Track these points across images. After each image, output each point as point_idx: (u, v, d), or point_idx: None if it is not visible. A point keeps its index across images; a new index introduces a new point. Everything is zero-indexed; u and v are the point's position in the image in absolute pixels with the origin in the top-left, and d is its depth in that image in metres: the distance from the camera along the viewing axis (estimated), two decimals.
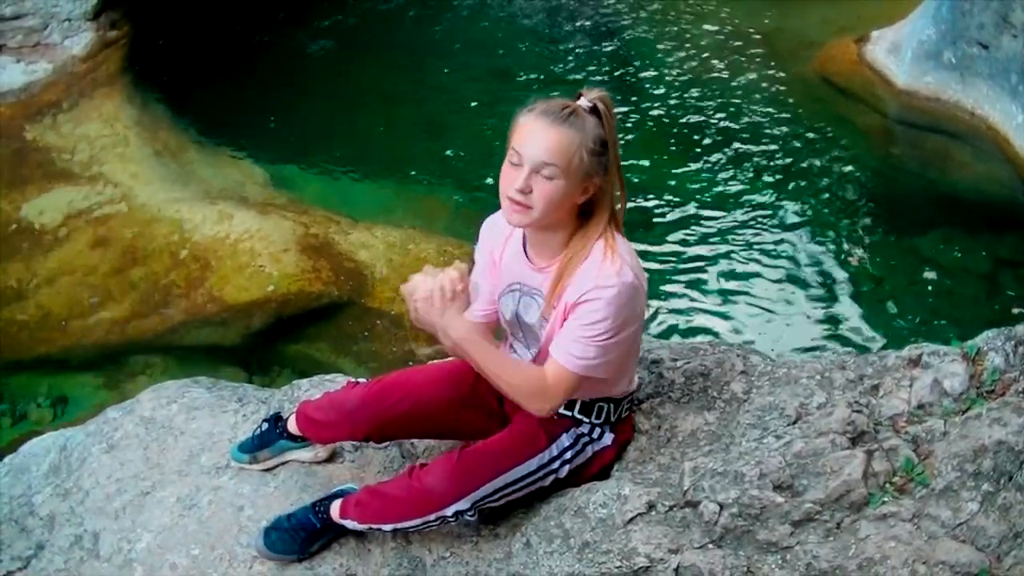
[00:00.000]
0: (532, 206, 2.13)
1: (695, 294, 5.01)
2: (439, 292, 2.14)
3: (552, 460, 2.38)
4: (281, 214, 5.37)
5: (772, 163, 5.98)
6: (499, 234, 2.40)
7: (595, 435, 2.42)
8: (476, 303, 2.47)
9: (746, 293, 5.01)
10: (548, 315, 2.28)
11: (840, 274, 5.09)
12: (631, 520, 2.25)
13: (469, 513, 2.32)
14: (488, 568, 2.35)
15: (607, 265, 2.16)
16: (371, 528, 2.41)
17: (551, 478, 2.40)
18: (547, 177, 2.11)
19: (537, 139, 2.10)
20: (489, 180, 5.84)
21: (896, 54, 6.52)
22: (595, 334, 2.16)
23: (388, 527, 2.37)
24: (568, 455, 2.39)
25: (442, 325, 2.15)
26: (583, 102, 2.15)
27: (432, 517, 2.31)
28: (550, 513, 2.37)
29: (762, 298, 4.97)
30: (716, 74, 6.95)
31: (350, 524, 2.42)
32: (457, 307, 2.16)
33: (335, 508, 2.46)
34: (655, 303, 4.86)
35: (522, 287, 2.35)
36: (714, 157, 6.06)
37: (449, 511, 2.29)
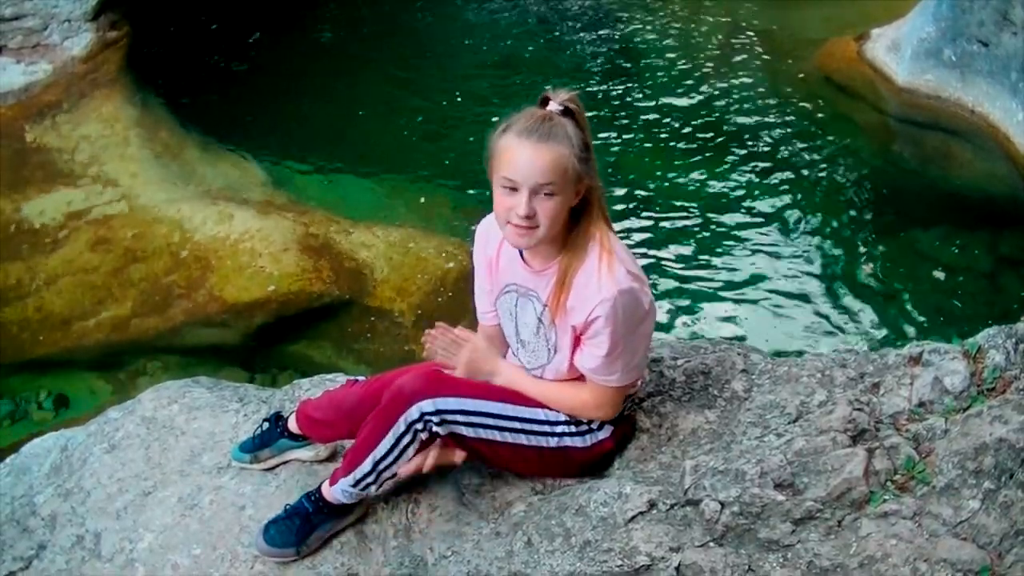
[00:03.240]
0: (538, 227, 2.14)
1: (695, 292, 5.01)
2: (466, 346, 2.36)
3: (540, 422, 2.37)
4: (281, 214, 5.38)
5: (772, 160, 5.98)
6: (494, 236, 2.41)
7: (595, 425, 2.43)
8: (482, 305, 2.49)
9: (746, 291, 5.01)
10: (546, 320, 2.30)
11: (840, 272, 5.10)
12: (632, 519, 2.25)
13: (436, 421, 2.27)
14: (489, 567, 2.35)
15: (604, 272, 2.18)
16: (357, 480, 2.36)
17: (536, 440, 2.38)
18: (546, 196, 2.12)
19: (529, 162, 2.09)
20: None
21: (896, 52, 6.52)
22: (614, 351, 2.23)
23: (368, 462, 2.32)
24: (560, 429, 2.39)
25: (490, 372, 2.38)
26: (554, 106, 2.14)
27: (401, 424, 2.27)
28: (551, 512, 2.37)
29: (762, 296, 4.97)
30: (716, 72, 6.95)
31: (341, 489, 2.40)
32: (496, 353, 2.42)
33: (326, 483, 2.45)
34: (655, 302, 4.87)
35: (519, 288, 2.36)
36: (714, 154, 6.07)
37: (415, 411, 2.25)
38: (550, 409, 2.38)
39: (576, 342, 2.29)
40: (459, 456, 2.39)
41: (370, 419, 2.35)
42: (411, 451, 2.33)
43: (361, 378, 2.65)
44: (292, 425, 2.65)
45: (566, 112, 2.14)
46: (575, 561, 2.24)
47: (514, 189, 2.12)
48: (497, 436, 2.36)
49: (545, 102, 2.16)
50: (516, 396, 2.37)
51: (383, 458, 2.33)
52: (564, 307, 2.24)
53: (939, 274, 5.01)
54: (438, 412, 2.27)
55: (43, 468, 2.90)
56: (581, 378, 2.36)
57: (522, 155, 2.10)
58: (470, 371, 2.36)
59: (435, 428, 2.29)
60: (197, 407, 2.94)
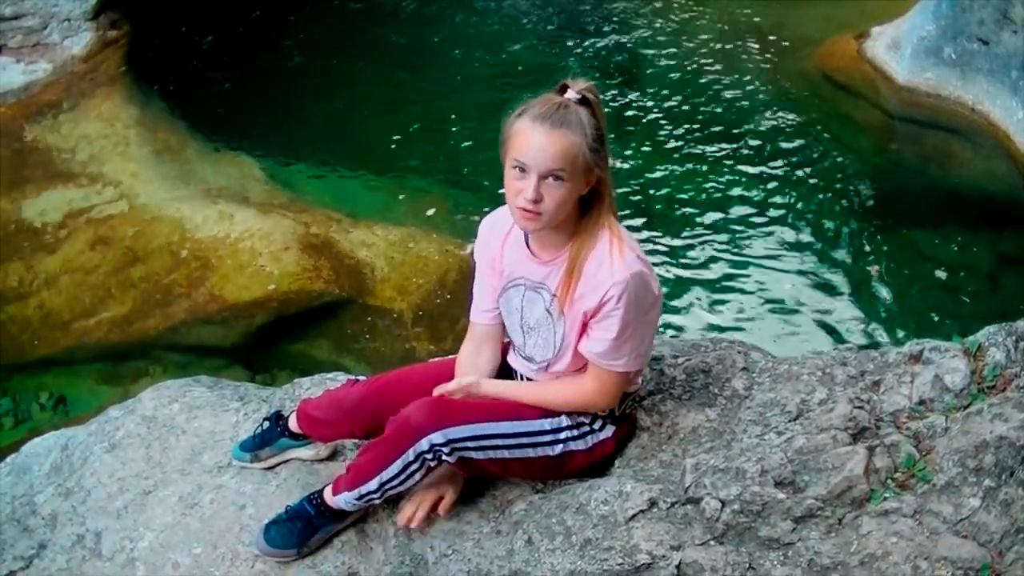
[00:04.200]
0: (544, 212, 2.14)
1: (696, 291, 5.01)
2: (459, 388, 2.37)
3: (544, 432, 2.37)
4: (281, 213, 5.38)
5: (772, 159, 5.98)
6: (499, 231, 2.40)
7: (596, 426, 2.42)
8: (483, 303, 2.48)
9: (747, 289, 5.01)
10: (555, 312, 2.29)
11: (841, 270, 5.09)
12: (633, 517, 2.25)
13: (446, 451, 2.27)
14: (490, 565, 2.35)
15: (616, 257, 2.18)
16: (362, 495, 2.38)
17: (542, 451, 2.38)
18: (555, 182, 2.11)
19: (540, 147, 2.09)
20: (489, 178, 5.85)
21: (896, 50, 6.52)
22: (623, 334, 2.22)
23: (375, 483, 2.34)
24: (563, 435, 2.39)
25: (481, 395, 2.37)
26: (571, 94, 2.14)
27: (411, 454, 2.27)
28: (552, 510, 2.37)
29: (763, 294, 4.97)
30: (717, 71, 6.95)
31: (343, 499, 2.41)
32: (482, 380, 2.41)
33: (328, 489, 2.46)
34: None
35: (526, 281, 2.35)
36: (715, 153, 6.06)
37: (424, 443, 2.26)
38: (553, 417, 2.38)
39: (583, 331, 2.29)
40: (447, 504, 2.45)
41: (375, 444, 2.36)
42: (418, 475, 2.34)
43: (362, 377, 2.65)
44: (292, 424, 2.65)
45: (583, 101, 2.14)
46: (576, 559, 2.24)
47: (524, 172, 2.12)
48: (506, 454, 2.36)
49: (563, 89, 2.16)
50: (518, 410, 2.37)
51: (390, 480, 2.34)
52: (573, 295, 2.24)
53: (939, 272, 5.01)
54: (449, 442, 2.28)
55: (44, 467, 2.90)
56: (580, 371, 2.36)
57: (535, 139, 2.10)
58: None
59: (445, 457, 2.30)
60: (197, 406, 2.94)
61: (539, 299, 2.33)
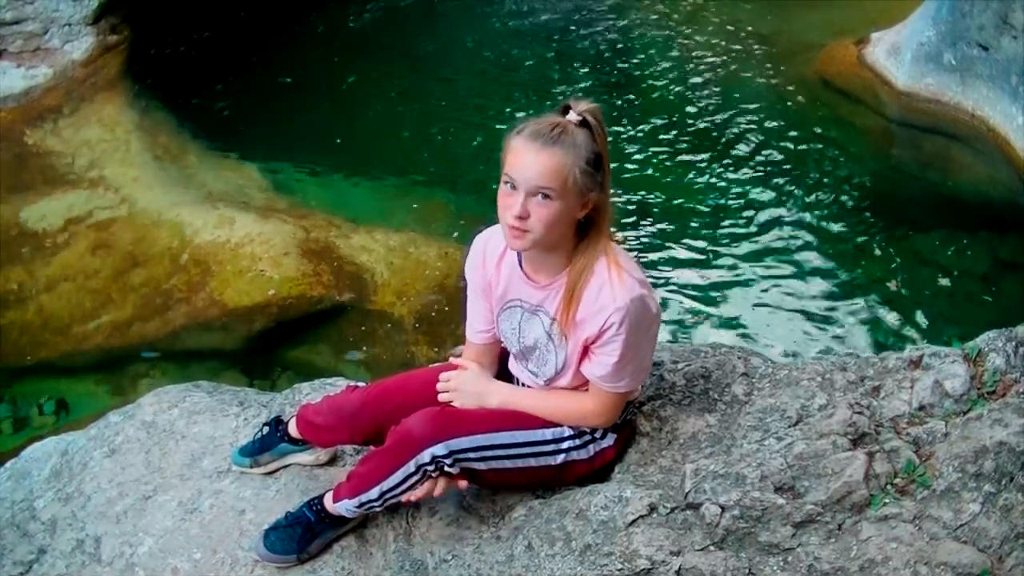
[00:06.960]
0: (530, 230, 2.13)
1: (695, 296, 5.00)
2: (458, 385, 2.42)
3: (546, 442, 2.38)
4: (282, 218, 5.38)
5: (772, 165, 5.98)
6: (493, 251, 2.39)
7: (598, 434, 2.43)
8: (477, 323, 2.48)
9: (747, 295, 5.00)
10: (555, 334, 2.29)
11: (840, 275, 5.09)
12: (633, 522, 2.25)
13: (448, 462, 2.28)
14: (490, 571, 2.35)
15: (615, 281, 2.17)
16: (362, 503, 2.38)
17: (544, 460, 2.39)
18: (543, 200, 2.10)
19: (529, 163, 2.09)
20: (490, 183, 5.84)
21: (896, 56, 6.53)
22: (624, 357, 2.23)
23: (375, 491, 2.34)
24: (566, 444, 2.39)
25: (481, 393, 2.39)
26: (572, 116, 2.14)
27: (412, 465, 2.28)
28: (552, 515, 2.37)
29: (762, 300, 4.97)
30: (716, 76, 6.96)
31: (344, 507, 2.42)
32: (487, 375, 2.45)
33: (329, 496, 2.46)
34: None
35: (523, 304, 2.35)
36: (714, 159, 6.07)
37: (426, 455, 2.26)
38: (555, 426, 2.38)
39: (584, 352, 2.29)
40: (463, 484, 2.39)
41: (377, 454, 2.36)
42: (419, 486, 2.34)
43: (361, 383, 2.65)
44: (292, 429, 2.66)
45: (583, 124, 2.13)
46: (576, 565, 2.24)
47: (514, 188, 2.12)
48: (508, 464, 2.37)
49: (566, 110, 2.16)
50: (520, 420, 2.37)
51: (391, 489, 2.35)
52: (574, 320, 2.23)
53: (939, 277, 5.01)
54: (451, 454, 2.28)
55: (43, 472, 2.90)
56: (582, 387, 2.36)
57: (526, 157, 2.10)
58: (463, 398, 2.38)
59: (447, 468, 2.30)
60: (197, 411, 2.94)
61: (538, 322, 2.33)
